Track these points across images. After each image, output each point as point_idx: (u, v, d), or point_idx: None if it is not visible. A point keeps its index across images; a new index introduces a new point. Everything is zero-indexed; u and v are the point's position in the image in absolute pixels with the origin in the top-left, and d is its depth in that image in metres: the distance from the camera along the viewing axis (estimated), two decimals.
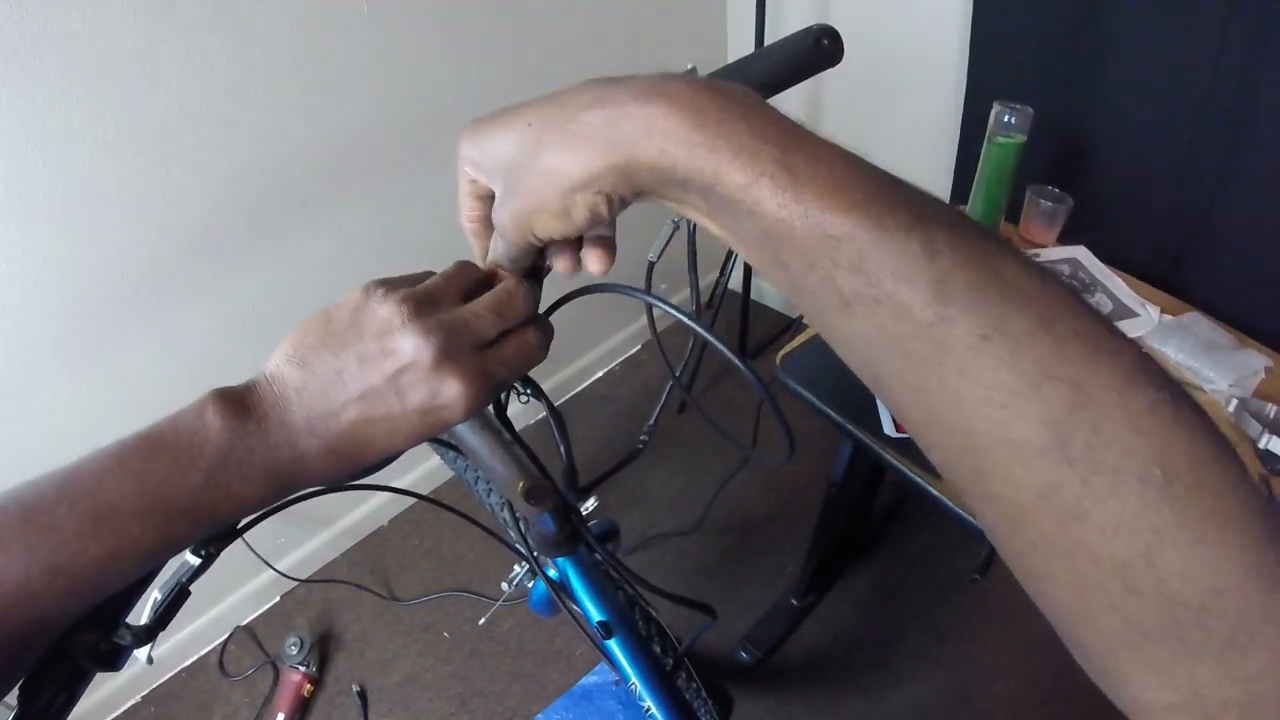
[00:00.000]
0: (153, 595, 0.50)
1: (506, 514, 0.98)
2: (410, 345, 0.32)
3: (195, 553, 0.49)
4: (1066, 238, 1.21)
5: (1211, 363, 0.99)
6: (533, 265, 0.37)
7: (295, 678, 1.44)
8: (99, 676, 0.43)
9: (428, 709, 1.44)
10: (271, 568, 1.27)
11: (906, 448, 0.95)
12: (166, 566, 0.45)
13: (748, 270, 1.89)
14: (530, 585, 1.04)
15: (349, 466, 0.34)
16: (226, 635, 1.58)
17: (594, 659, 1.48)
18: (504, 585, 1.02)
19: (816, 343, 1.09)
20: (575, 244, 0.37)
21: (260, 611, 1.62)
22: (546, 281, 0.40)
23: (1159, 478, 0.21)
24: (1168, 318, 1.08)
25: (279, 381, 0.33)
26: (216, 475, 0.31)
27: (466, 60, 1.38)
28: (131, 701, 1.50)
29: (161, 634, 0.50)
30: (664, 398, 1.79)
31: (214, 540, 0.49)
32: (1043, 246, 1.20)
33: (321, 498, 0.55)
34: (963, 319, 0.23)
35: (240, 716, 1.46)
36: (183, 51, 1.05)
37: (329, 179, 1.31)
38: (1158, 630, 0.22)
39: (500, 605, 1.20)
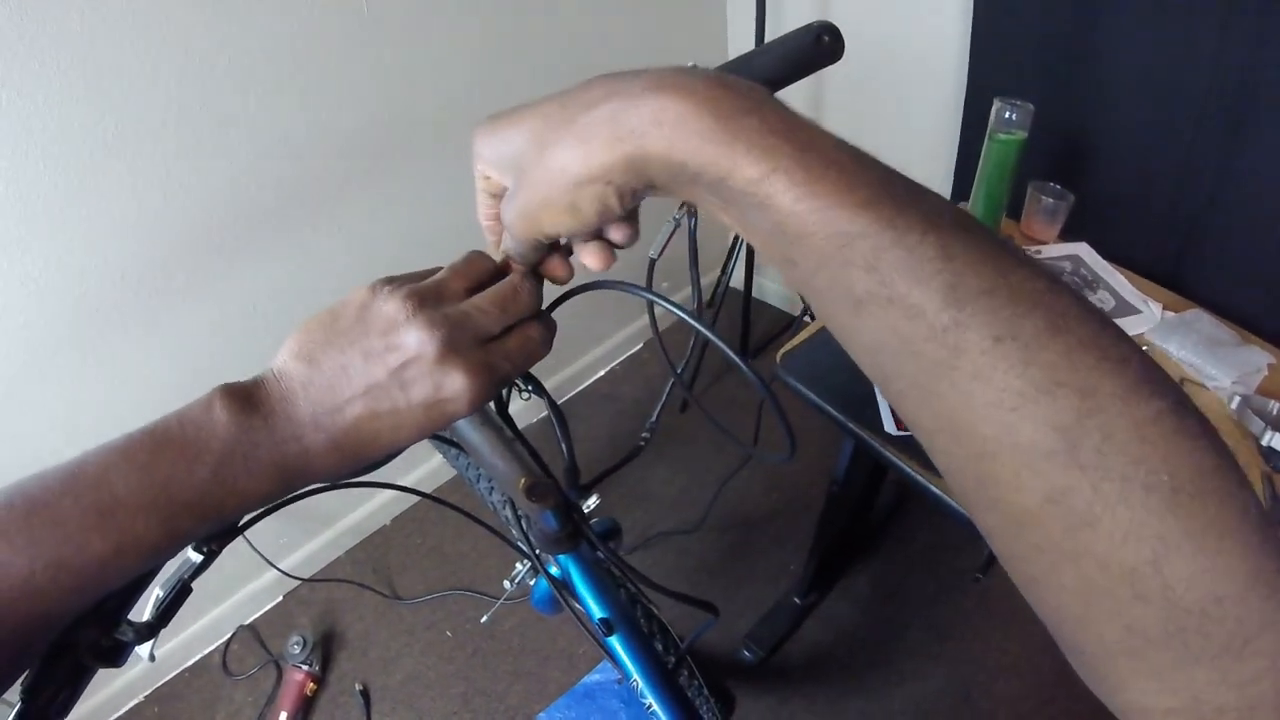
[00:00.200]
0: (154, 592, 0.50)
1: (508, 512, 0.98)
2: (414, 339, 0.32)
3: (197, 550, 0.49)
4: (1068, 234, 1.20)
5: (1214, 359, 0.99)
6: (542, 261, 0.37)
7: (298, 677, 1.44)
8: (102, 676, 0.43)
9: (430, 708, 1.45)
10: (274, 567, 1.27)
11: (908, 446, 0.95)
12: (168, 564, 0.45)
13: (749, 268, 1.88)
14: (532, 583, 1.04)
15: (354, 462, 0.34)
16: (229, 635, 1.58)
17: (596, 658, 1.48)
18: (506, 583, 1.02)
19: (817, 341, 1.09)
20: (600, 238, 0.36)
21: (263, 611, 1.62)
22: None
23: (1166, 486, 0.21)
24: (1170, 314, 1.08)
25: (286, 377, 0.33)
26: (223, 470, 0.31)
27: (466, 60, 1.38)
28: (135, 701, 1.50)
29: (165, 633, 0.50)
30: (665, 396, 1.79)
31: (216, 538, 0.49)
32: (1044, 243, 1.20)
33: (323, 496, 0.55)
34: (975, 322, 0.23)
35: (243, 716, 1.46)
36: (182, 52, 1.05)
37: (330, 179, 1.31)
38: (1162, 636, 0.22)
39: (502, 604, 1.20)
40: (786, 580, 1.56)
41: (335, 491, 0.52)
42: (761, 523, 1.70)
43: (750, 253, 1.86)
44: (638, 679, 0.76)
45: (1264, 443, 0.89)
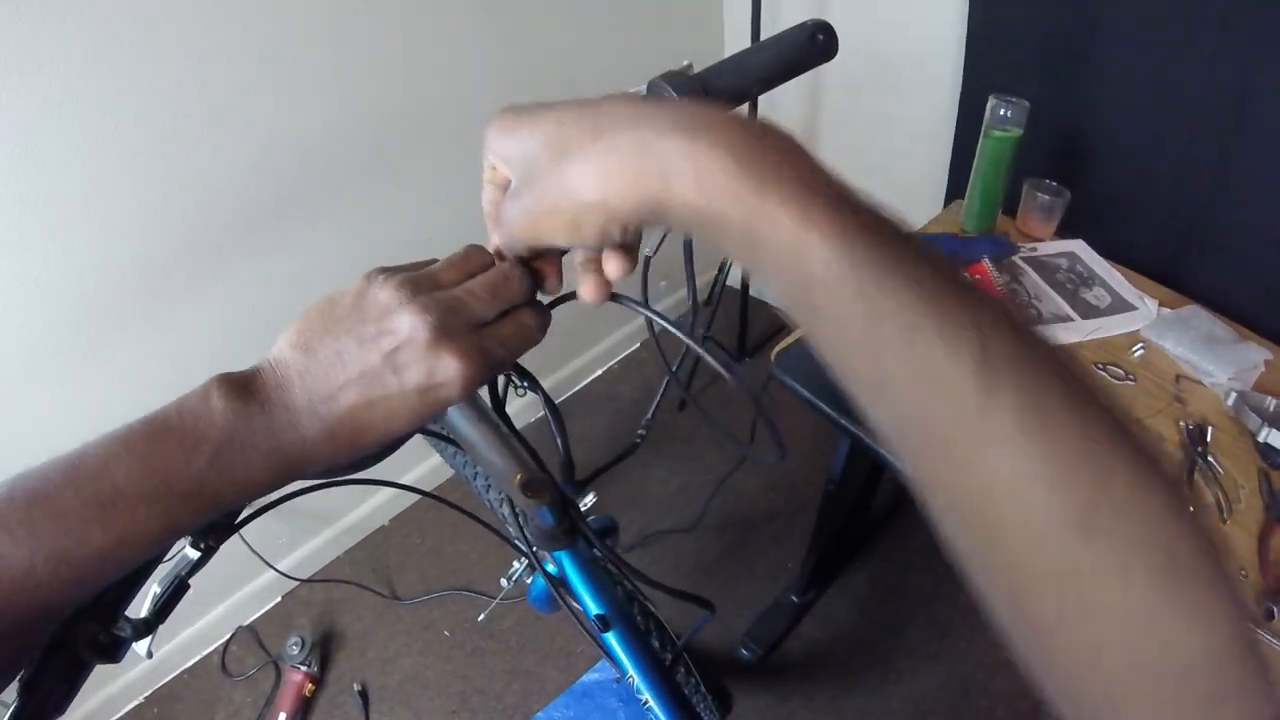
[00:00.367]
0: (152, 589, 0.50)
1: (506, 509, 0.99)
2: (407, 324, 0.33)
3: (195, 546, 0.49)
4: (1064, 232, 1.21)
5: (1211, 356, 0.99)
6: (535, 259, 0.38)
7: (297, 677, 1.44)
8: (102, 677, 0.43)
9: (429, 707, 1.45)
10: (273, 568, 1.28)
11: None
12: (165, 560, 0.45)
13: None
14: (530, 581, 1.05)
15: (350, 450, 0.34)
16: (228, 635, 1.58)
17: (594, 656, 1.48)
18: (504, 582, 1.02)
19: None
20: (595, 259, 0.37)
21: (262, 611, 1.63)
22: None
23: (1164, 563, 0.23)
24: (1166, 311, 1.08)
25: (282, 365, 0.34)
26: (220, 458, 0.32)
27: (465, 58, 1.38)
28: (134, 702, 1.50)
29: (164, 634, 0.50)
30: (660, 394, 1.79)
31: (213, 534, 0.49)
32: (1040, 240, 1.21)
33: (321, 496, 0.56)
34: (1005, 404, 0.24)
35: (243, 716, 1.46)
36: (181, 52, 1.05)
37: (329, 178, 1.31)
38: (1152, 693, 0.25)
39: (500, 603, 1.20)
40: (784, 579, 1.56)
41: (333, 491, 0.52)
42: (759, 521, 1.70)
43: None
44: (634, 675, 0.77)
45: (1260, 439, 0.90)
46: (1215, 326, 1.04)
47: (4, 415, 1.13)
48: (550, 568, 0.79)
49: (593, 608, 0.76)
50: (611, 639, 0.77)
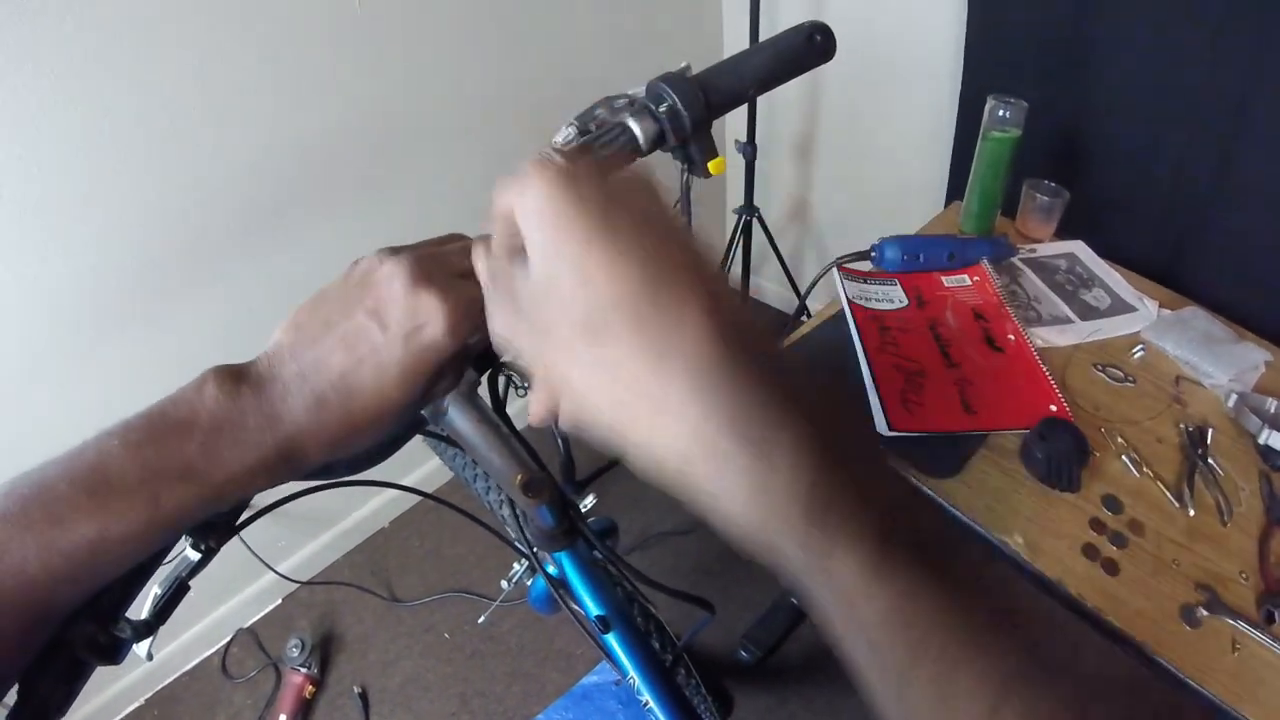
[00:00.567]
0: (152, 591, 0.50)
1: (506, 510, 0.98)
2: (384, 273, 0.34)
3: (195, 548, 0.49)
4: (1063, 233, 1.21)
5: (1211, 357, 0.99)
6: None
7: (297, 679, 1.44)
8: (102, 679, 0.43)
9: (429, 710, 1.44)
10: (273, 570, 1.28)
11: (902, 446, 0.95)
12: (166, 562, 0.45)
13: (746, 268, 1.89)
14: (530, 583, 1.05)
15: (345, 423, 0.34)
16: (229, 638, 1.58)
17: (594, 659, 1.48)
18: (504, 583, 1.02)
19: (811, 339, 1.09)
20: None
21: (262, 614, 1.62)
22: None
23: None
24: (1166, 312, 1.08)
25: (276, 348, 0.35)
26: (210, 441, 0.32)
27: (463, 58, 1.38)
28: (134, 705, 1.50)
29: (164, 636, 0.50)
30: None
31: (213, 535, 0.49)
32: (1040, 241, 1.20)
33: (322, 498, 0.56)
34: None
35: (243, 718, 1.46)
36: (180, 52, 1.05)
37: (329, 178, 1.31)
38: None
39: (500, 605, 1.20)
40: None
41: (333, 493, 0.52)
42: None
43: (747, 252, 1.86)
44: (634, 676, 0.76)
45: (1261, 441, 0.90)
46: (1215, 327, 1.04)
47: (4, 415, 1.13)
48: (550, 569, 0.79)
49: (593, 609, 0.76)
50: (612, 640, 0.77)
